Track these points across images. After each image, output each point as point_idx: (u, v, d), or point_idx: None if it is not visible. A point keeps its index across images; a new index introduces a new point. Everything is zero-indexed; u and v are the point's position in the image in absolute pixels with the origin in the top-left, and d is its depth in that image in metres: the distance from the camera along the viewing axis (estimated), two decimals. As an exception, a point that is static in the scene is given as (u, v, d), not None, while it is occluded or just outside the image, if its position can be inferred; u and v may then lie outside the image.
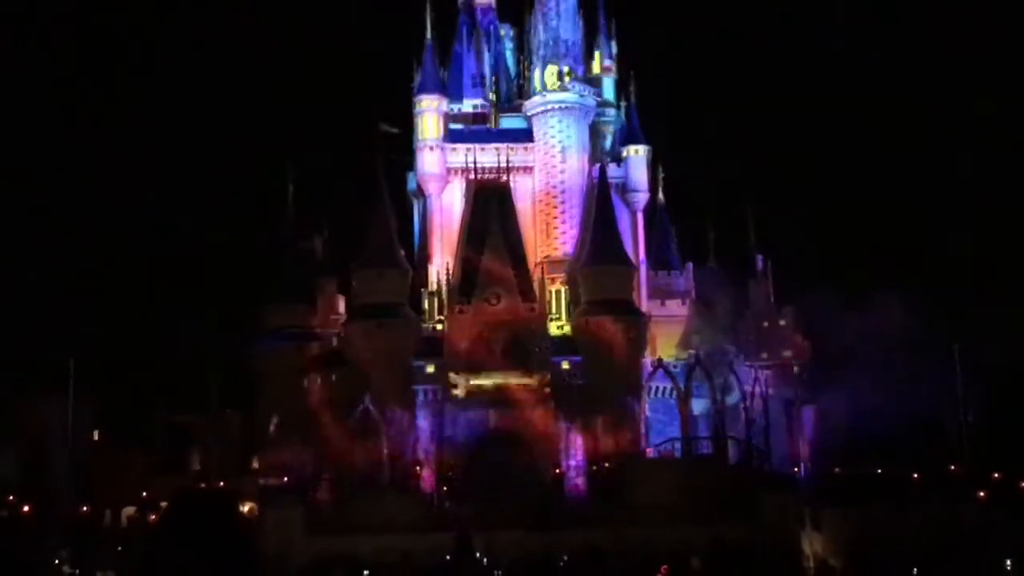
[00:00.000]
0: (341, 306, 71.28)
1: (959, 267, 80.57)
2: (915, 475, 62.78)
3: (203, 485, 65.98)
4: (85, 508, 65.25)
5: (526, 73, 74.73)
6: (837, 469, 65.79)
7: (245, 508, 61.70)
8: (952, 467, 65.24)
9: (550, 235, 71.00)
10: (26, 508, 65.34)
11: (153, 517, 62.44)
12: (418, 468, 63.32)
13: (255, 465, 71.41)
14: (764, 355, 72.33)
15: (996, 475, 62.99)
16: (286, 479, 62.52)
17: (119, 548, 59.21)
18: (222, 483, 66.79)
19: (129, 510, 67.13)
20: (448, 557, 52.80)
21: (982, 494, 60.12)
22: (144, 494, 67.98)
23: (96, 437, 73.79)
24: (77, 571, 56.93)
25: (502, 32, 77.67)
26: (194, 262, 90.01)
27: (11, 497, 67.12)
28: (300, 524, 55.67)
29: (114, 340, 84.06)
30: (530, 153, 72.59)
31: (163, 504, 61.49)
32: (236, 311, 76.14)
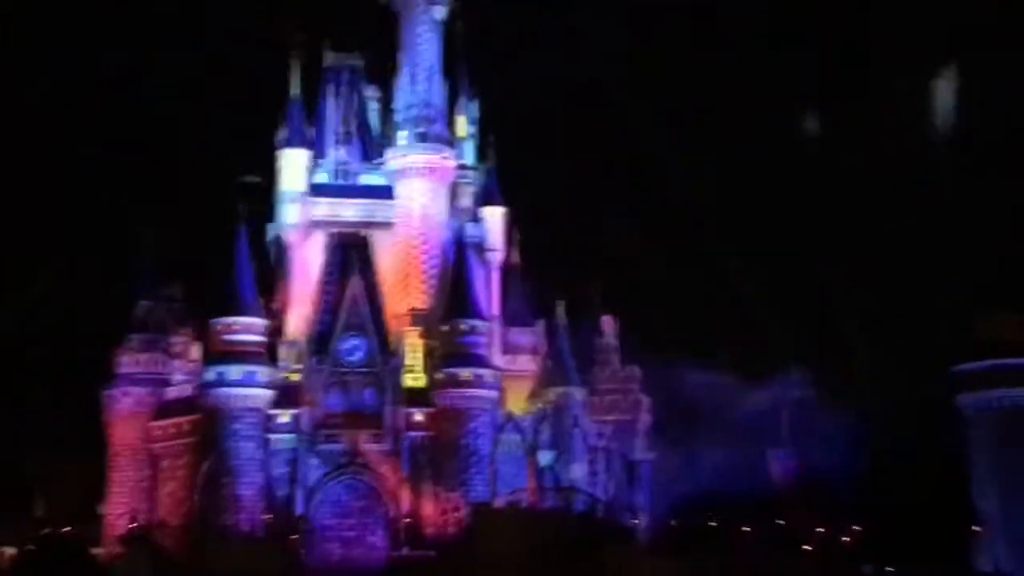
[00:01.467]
0: (196, 353, 71.23)
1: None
2: (745, 528, 66.44)
3: (48, 530, 64.96)
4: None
5: (389, 132, 76.70)
6: (672, 521, 69.18)
7: (94, 553, 61.06)
8: (781, 521, 69.23)
9: (409, 290, 72.80)
10: None
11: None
12: (270, 517, 63.74)
13: (101, 511, 70.53)
14: (608, 411, 75.50)
15: (821, 529, 67.11)
16: (134, 525, 62.09)
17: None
18: (68, 528, 65.92)
19: (-32, 555, 65.50)
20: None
21: (808, 547, 64.09)
22: (-14, 539, 66.42)
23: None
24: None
25: (367, 93, 79.58)
26: (45, 306, 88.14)
27: None
28: (150, 571, 55.59)
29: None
30: (391, 210, 74.40)
31: (6, 550, 60.37)
32: (87, 357, 75.14)
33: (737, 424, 75.99)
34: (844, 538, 66.02)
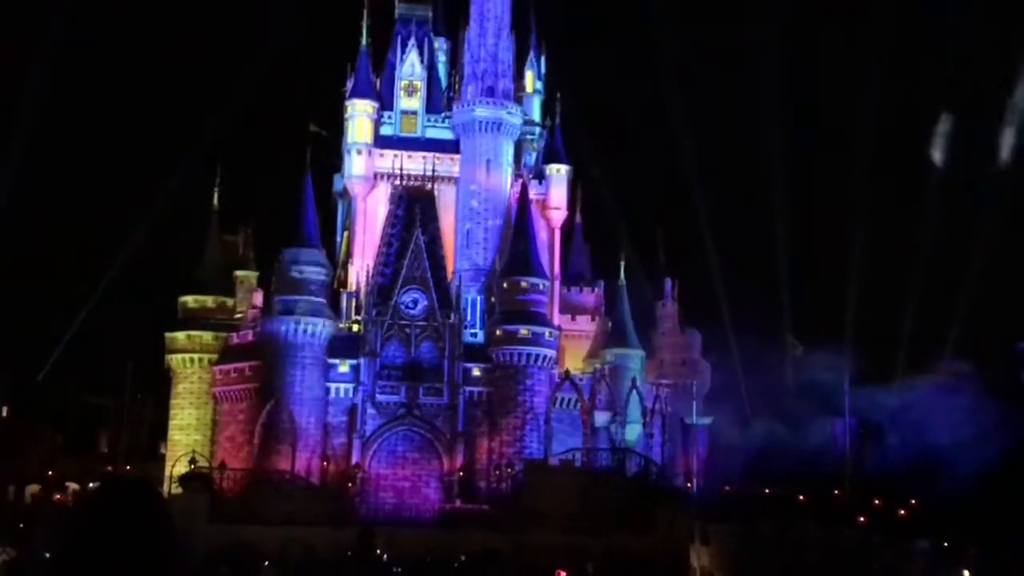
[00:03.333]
0: (260, 300, 72.14)
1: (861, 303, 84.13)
2: (800, 497, 65.89)
3: (110, 468, 66.36)
4: (-11, 483, 65.22)
5: (457, 86, 76.46)
6: (727, 487, 68.78)
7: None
8: (836, 492, 68.53)
9: (470, 245, 72.85)
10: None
11: (59, 497, 62.75)
12: (326, 464, 64.60)
13: (163, 451, 71.97)
14: (666, 374, 75.21)
15: (876, 501, 66.32)
16: (193, 466, 63.25)
17: (21, 525, 59.34)
18: (128, 467, 67.32)
19: (33, 488, 67.23)
20: (350, 553, 54.07)
21: (863, 519, 63.38)
22: (50, 473, 68.14)
23: (5, 413, 73.60)
24: (-23, 546, 56.89)
25: (436, 45, 79.29)
26: (117, 248, 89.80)
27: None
28: (204, 512, 56.55)
29: (32, 317, 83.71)
30: (456, 164, 74.36)
31: (70, 485, 61.87)
32: (156, 299, 76.52)
33: (797, 392, 75.26)
34: (900, 511, 65.21)
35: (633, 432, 69.56)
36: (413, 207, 70.94)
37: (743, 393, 75.09)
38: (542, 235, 73.88)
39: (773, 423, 71.92)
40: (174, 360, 71.70)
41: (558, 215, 76.37)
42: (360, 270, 71.54)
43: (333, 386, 66.23)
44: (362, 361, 66.17)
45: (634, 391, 70.24)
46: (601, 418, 68.86)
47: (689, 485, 69.33)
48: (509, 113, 74.14)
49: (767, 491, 66.48)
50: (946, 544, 60.25)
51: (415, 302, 67.87)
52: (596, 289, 77.41)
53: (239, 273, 74.95)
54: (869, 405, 75.14)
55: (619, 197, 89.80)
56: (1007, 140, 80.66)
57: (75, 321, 72.87)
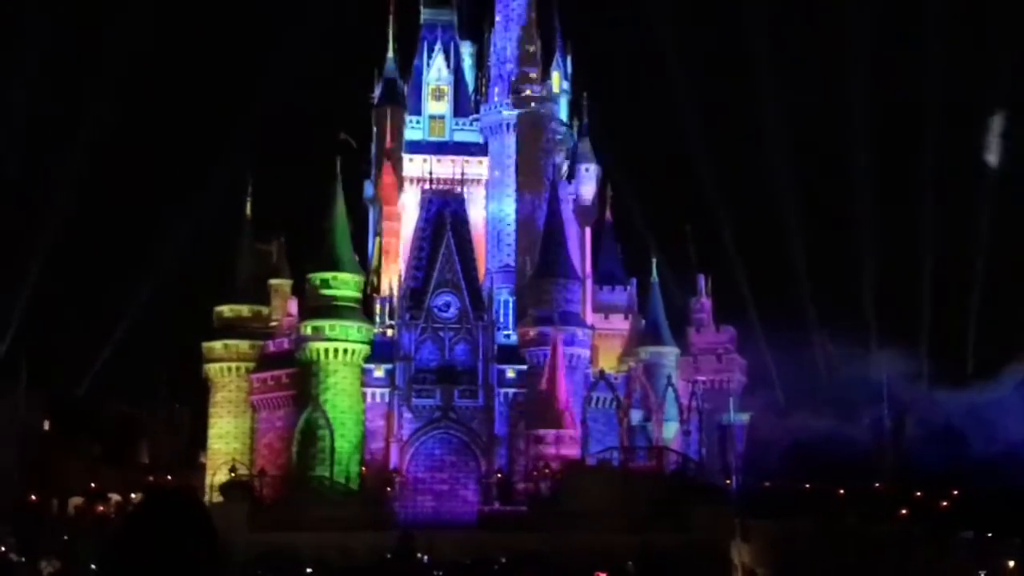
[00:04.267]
0: (294, 308, 72.55)
1: (894, 295, 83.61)
2: (840, 491, 65.48)
3: (151, 478, 66.97)
4: (32, 496, 66.03)
5: (483, 89, 76.66)
6: (766, 483, 68.45)
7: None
8: (876, 485, 68.06)
9: (501, 246, 72.96)
10: (-28, 495, 65.89)
11: (101, 508, 63.43)
12: (364, 468, 64.88)
13: (203, 460, 72.52)
14: (701, 371, 74.99)
15: (917, 494, 65.81)
16: (233, 474, 63.73)
17: (65, 537, 60.07)
18: (169, 476, 67.91)
19: (76, 500, 67.98)
20: (389, 556, 54.31)
21: (904, 512, 62.89)
22: (92, 484, 68.91)
23: (46, 426, 74.51)
24: (23, 559, 57.65)
25: (462, 49, 79.57)
26: (151, 259, 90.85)
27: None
28: (245, 519, 56.93)
29: (67, 331, 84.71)
30: (484, 166, 74.54)
31: (112, 496, 62.49)
32: (190, 309, 77.20)
33: (834, 387, 74.80)
34: (942, 502, 64.69)
35: (670, 430, 69.39)
36: (443, 211, 71.11)
37: (779, 388, 74.77)
38: (572, 234, 73.86)
39: (810, 417, 71.51)
40: (211, 369, 72.23)
41: (588, 214, 76.31)
42: (392, 275, 71.86)
43: (369, 391, 66.53)
44: (397, 365, 66.43)
45: (670, 388, 70.08)
46: (637, 416, 68.76)
47: (728, 481, 69.04)
48: (537, 114, 74.18)
49: (807, 486, 66.15)
50: (990, 535, 59.77)
51: (448, 305, 68.01)
52: (628, 287, 77.31)
53: (273, 281, 75.42)
54: (935, 404, 74.61)
55: (649, 194, 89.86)
56: None
57: (114, 334, 73.63)
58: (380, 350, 67.06)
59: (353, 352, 66.08)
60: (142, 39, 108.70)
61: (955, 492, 65.34)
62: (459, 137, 76.00)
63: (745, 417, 75.44)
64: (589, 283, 74.69)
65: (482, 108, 75.13)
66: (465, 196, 73.59)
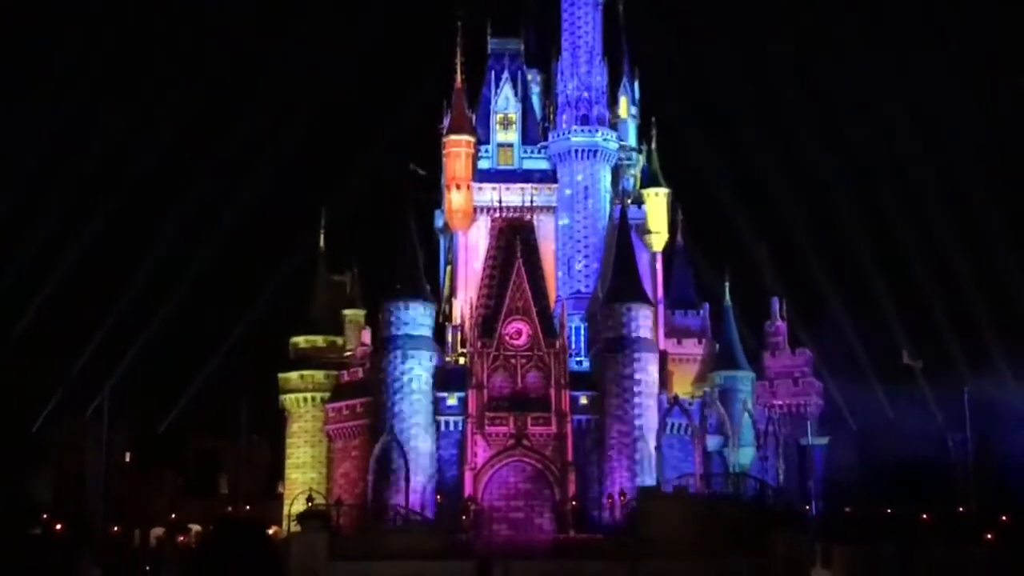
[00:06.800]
0: (368, 338, 73.31)
1: (971, 313, 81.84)
2: (924, 515, 64.08)
3: (231, 508, 67.84)
4: (116, 528, 67.36)
5: (551, 117, 76.90)
6: (847, 508, 67.25)
7: (271, 531, 63.48)
8: (961, 508, 66.51)
9: (572, 273, 73.03)
10: (59, 527, 67.54)
11: (182, 538, 64.48)
12: (439, 497, 65.06)
13: (281, 490, 73.30)
14: (778, 395, 74.05)
15: (1004, 517, 64.15)
16: (310, 504, 64.32)
17: (147, 568, 61.16)
18: (248, 507, 68.73)
19: (158, 531, 69.24)
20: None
21: (990, 536, 61.30)
22: (173, 516, 70.08)
23: (128, 459, 75.99)
24: (107, 588, 58.85)
25: (529, 77, 79.78)
26: (228, 294, 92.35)
27: (45, 516, 69.32)
28: (324, 549, 57.38)
29: (149, 366, 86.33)
30: (554, 193, 74.73)
31: (193, 527, 63.48)
32: (267, 341, 78.30)
33: (915, 408, 73.36)
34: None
35: (747, 455, 68.52)
36: (513, 239, 71.35)
37: (858, 411, 73.53)
38: (644, 259, 73.64)
39: (891, 440, 70.19)
40: (288, 400, 73.20)
41: (659, 239, 76.03)
42: (464, 303, 72.27)
43: (442, 419, 66.82)
44: (470, 393, 66.63)
45: (746, 414, 69.28)
46: (713, 442, 68.03)
47: (807, 507, 67.98)
48: (604, 139, 74.29)
49: (888, 510, 64.87)
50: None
51: (519, 332, 68.10)
52: (701, 311, 76.79)
53: (347, 312, 76.37)
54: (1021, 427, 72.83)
55: (720, 217, 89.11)
56: None
57: (195, 368, 74.83)
58: (453, 378, 67.39)
59: (426, 381, 66.48)
60: (219, 80, 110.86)
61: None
62: (528, 165, 76.27)
63: (824, 441, 74.29)
64: (661, 308, 74.29)
65: (550, 135, 75.38)
66: (535, 223, 73.92)
